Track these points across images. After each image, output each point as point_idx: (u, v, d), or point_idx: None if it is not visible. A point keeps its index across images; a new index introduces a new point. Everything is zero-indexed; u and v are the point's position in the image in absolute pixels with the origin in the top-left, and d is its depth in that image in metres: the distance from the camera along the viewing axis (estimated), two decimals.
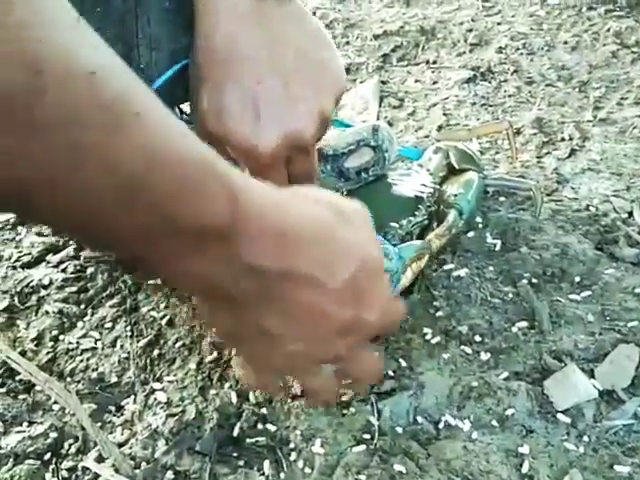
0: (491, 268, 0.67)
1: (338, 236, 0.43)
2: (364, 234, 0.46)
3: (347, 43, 1.14)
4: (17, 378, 0.60)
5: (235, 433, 0.54)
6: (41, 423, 0.56)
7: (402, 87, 1.01)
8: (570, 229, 0.71)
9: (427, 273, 0.66)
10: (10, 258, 0.73)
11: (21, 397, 0.59)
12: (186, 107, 0.59)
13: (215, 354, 0.61)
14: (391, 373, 0.58)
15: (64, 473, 0.53)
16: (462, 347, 0.60)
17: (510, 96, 0.96)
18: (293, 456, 0.53)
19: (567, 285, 0.65)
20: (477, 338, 0.60)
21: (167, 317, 0.65)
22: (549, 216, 0.72)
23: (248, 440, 0.54)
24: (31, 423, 0.57)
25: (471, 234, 0.70)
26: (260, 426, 0.55)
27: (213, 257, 0.37)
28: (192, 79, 0.55)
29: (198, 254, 0.36)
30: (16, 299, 0.68)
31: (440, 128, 0.90)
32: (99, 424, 0.56)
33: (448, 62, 1.06)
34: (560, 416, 0.53)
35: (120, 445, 0.54)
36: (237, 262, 0.38)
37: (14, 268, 0.71)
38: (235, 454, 0.53)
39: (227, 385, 0.58)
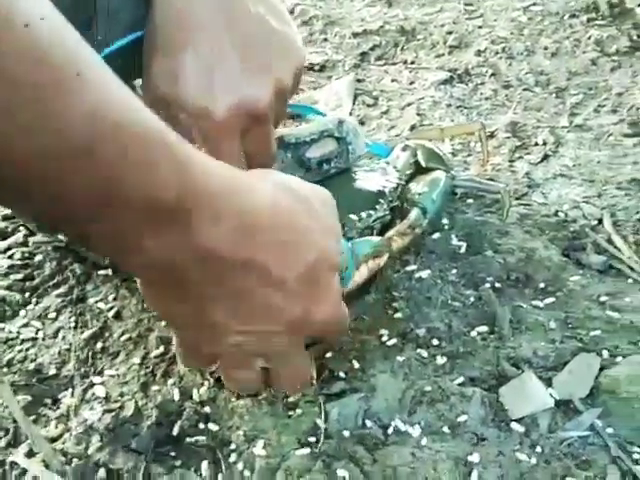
0: (454, 271, 0.65)
1: (298, 225, 0.42)
2: (326, 224, 0.45)
3: (325, 40, 1.12)
4: None
5: (174, 432, 0.52)
6: None
7: (378, 86, 0.99)
8: (537, 234, 0.69)
9: (388, 273, 0.64)
10: None
11: None
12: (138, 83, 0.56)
13: (162, 349, 0.58)
14: (342, 374, 0.55)
15: None
16: (418, 350, 0.57)
17: (486, 99, 0.94)
18: (233, 457, 0.50)
19: (530, 291, 0.63)
20: (435, 341, 0.58)
21: (115, 309, 0.62)
22: (517, 220, 0.70)
23: (187, 439, 0.51)
24: None
25: (436, 235, 0.68)
26: (201, 425, 0.52)
27: (165, 239, 0.36)
28: (146, 48, 0.53)
29: (149, 233, 0.35)
30: None
31: (413, 128, 0.88)
32: (33, 417, 0.53)
33: (426, 63, 1.04)
34: (514, 425, 0.51)
35: (53, 440, 0.51)
36: (192, 246, 0.36)
37: None
38: (172, 453, 0.51)
39: (170, 382, 0.55)
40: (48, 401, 0.55)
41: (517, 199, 0.74)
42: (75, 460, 0.50)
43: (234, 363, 0.47)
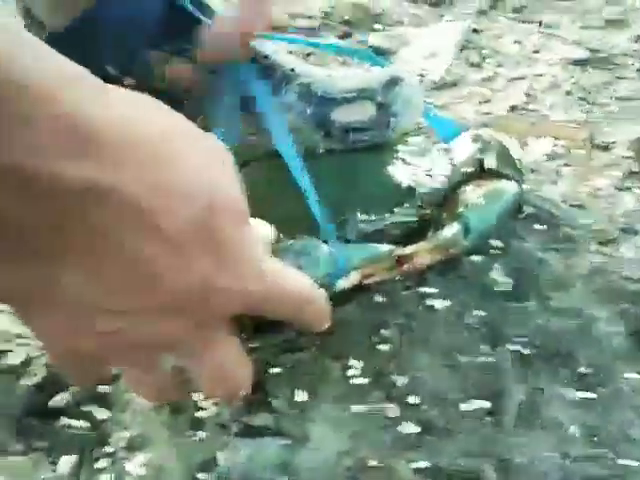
0: (478, 313, 0.50)
1: (184, 159, 0.28)
2: (222, 169, 0.31)
3: None
4: None
5: (54, 404, 0.42)
6: None
7: (494, 43, 0.81)
8: (606, 300, 0.52)
9: (394, 288, 0.50)
10: None
11: None
12: None
13: None
14: (275, 403, 0.43)
15: None
16: (386, 405, 0.44)
17: (618, 99, 0.74)
18: (102, 463, 0.40)
19: (567, 373, 0.48)
20: (412, 399, 0.45)
21: None
22: (586, 273, 0.54)
23: (63, 419, 0.42)
24: None
25: (476, 258, 0.53)
26: (87, 407, 0.42)
27: None
28: None
29: None
30: None
31: (513, 109, 0.71)
32: None
33: (565, 31, 0.84)
34: None
35: None
36: (16, 166, 0.24)
37: None
38: (39, 430, 0.41)
39: None
40: None
41: (599, 243, 0.57)
42: None
43: (131, 362, 0.34)
